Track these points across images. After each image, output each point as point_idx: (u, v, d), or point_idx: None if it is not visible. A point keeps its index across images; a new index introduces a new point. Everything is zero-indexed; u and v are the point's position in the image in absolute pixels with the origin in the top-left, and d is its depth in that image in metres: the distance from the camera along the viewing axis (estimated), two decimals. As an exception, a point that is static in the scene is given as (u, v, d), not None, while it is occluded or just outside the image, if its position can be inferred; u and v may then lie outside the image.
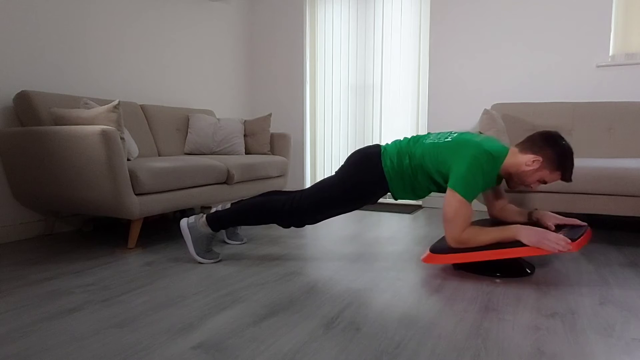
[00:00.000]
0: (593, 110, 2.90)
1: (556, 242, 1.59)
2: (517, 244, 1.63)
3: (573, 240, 1.61)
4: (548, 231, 1.63)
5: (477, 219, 2.27)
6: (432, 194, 3.65)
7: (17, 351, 1.15)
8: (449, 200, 1.69)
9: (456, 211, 1.68)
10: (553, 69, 3.19)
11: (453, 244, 1.71)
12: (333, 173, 1.99)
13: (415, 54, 3.66)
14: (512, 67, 3.31)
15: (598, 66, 3.06)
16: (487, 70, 3.39)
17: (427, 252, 1.82)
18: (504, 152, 1.77)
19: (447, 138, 1.80)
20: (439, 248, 1.78)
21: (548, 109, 3.00)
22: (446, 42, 3.51)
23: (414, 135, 1.95)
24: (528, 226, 1.66)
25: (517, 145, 1.81)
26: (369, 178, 1.87)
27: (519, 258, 1.87)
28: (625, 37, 2.98)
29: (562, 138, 1.75)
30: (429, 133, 1.92)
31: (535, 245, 1.60)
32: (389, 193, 1.94)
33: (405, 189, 1.89)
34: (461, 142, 1.74)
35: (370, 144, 1.99)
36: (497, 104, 3.15)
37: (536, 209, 1.93)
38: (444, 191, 1.85)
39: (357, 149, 2.44)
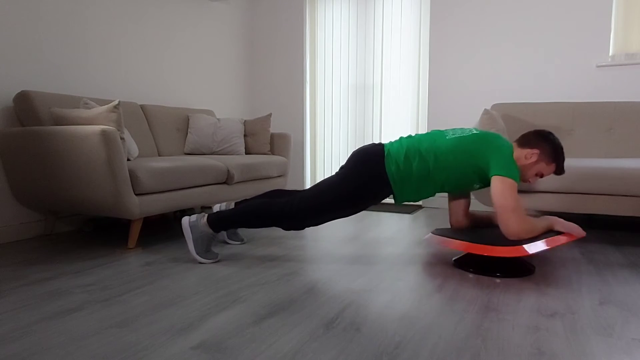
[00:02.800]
0: (593, 110, 2.90)
1: (577, 228, 1.74)
2: (555, 233, 1.73)
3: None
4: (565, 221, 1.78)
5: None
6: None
7: (17, 351, 1.15)
8: (504, 189, 1.69)
9: (516, 198, 1.70)
10: (553, 69, 3.19)
11: (522, 234, 1.69)
12: (333, 173, 1.96)
13: (415, 54, 3.66)
14: (512, 67, 3.31)
15: (598, 66, 3.06)
16: (487, 70, 3.39)
17: (486, 246, 1.71)
18: (512, 148, 1.87)
19: (471, 132, 1.85)
20: (498, 240, 1.71)
21: (548, 109, 3.00)
22: (446, 42, 3.51)
23: (418, 133, 1.95)
24: (554, 217, 1.79)
25: (515, 142, 1.93)
26: (371, 182, 1.84)
27: (520, 258, 1.87)
28: (625, 37, 2.98)
29: (552, 134, 1.89)
30: (440, 130, 1.91)
31: (569, 231, 1.72)
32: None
33: (411, 191, 1.86)
34: (489, 135, 1.82)
35: (373, 143, 1.95)
36: (497, 104, 3.15)
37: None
38: (461, 189, 1.88)
39: (359, 147, 2.42)
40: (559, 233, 1.73)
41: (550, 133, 1.88)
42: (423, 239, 2.14)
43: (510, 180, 1.70)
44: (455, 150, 1.79)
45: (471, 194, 2.22)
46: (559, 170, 1.89)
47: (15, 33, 2.41)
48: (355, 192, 1.84)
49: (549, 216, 1.79)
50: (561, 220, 1.77)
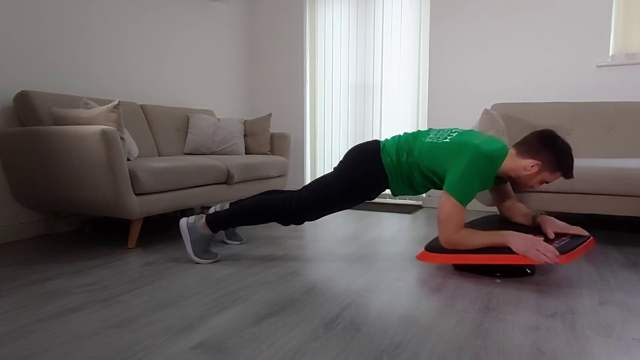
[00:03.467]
0: (593, 110, 2.90)
1: (544, 252, 1.56)
2: (508, 250, 1.63)
3: (565, 252, 1.58)
4: (539, 240, 1.60)
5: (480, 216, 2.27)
6: (432, 192, 3.65)
7: (17, 351, 1.15)
8: (444, 202, 1.71)
9: (449, 214, 1.69)
10: (553, 69, 3.19)
11: (445, 245, 1.74)
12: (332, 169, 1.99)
13: (415, 54, 3.66)
14: (512, 67, 3.31)
15: (598, 66, 3.06)
16: (487, 70, 3.39)
17: (422, 249, 1.84)
18: (503, 154, 1.75)
19: (446, 138, 1.79)
20: (434, 247, 1.81)
21: (548, 109, 3.00)
22: (446, 42, 3.51)
23: (416, 130, 1.96)
24: (520, 233, 1.64)
25: (515, 147, 1.78)
26: (369, 174, 1.87)
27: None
28: (625, 37, 2.98)
29: (559, 137, 1.73)
30: (429, 129, 1.91)
31: (522, 254, 1.59)
32: (387, 190, 1.94)
33: (405, 185, 1.90)
34: (459, 144, 1.72)
35: (369, 140, 1.99)
36: (497, 104, 3.15)
37: (542, 213, 1.89)
38: (440, 188, 1.87)
39: (356, 144, 2.44)
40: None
41: (556, 137, 1.73)
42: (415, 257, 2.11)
43: (452, 200, 1.67)
44: (424, 156, 1.80)
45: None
46: (567, 175, 1.74)
47: (15, 33, 2.40)
48: (354, 187, 1.87)
49: (508, 232, 1.66)
50: (520, 240, 1.61)
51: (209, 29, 3.80)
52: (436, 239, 1.91)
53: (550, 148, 1.71)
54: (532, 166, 1.71)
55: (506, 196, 2.00)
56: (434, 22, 3.54)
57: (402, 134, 1.94)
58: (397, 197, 3.85)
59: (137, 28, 3.13)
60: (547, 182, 1.79)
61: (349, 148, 2.49)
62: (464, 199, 1.67)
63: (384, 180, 1.88)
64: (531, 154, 1.72)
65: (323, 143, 4.12)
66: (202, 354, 1.13)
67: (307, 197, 1.89)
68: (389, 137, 1.98)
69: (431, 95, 3.60)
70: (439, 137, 1.81)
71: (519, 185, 1.82)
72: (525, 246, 1.59)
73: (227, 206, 2.21)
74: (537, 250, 1.57)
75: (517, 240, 1.61)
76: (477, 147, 1.69)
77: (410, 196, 3.78)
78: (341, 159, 2.12)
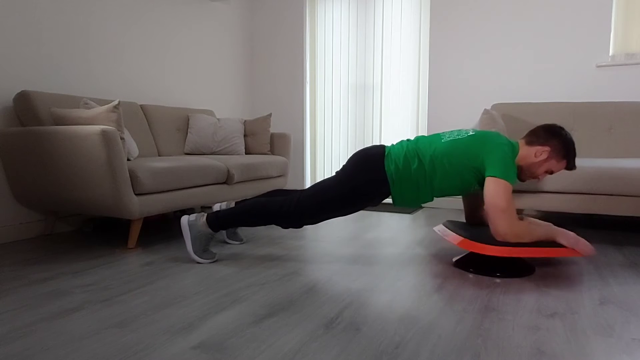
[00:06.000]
0: (593, 110, 2.90)
1: (585, 245, 1.69)
2: (555, 244, 1.69)
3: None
4: (577, 235, 1.71)
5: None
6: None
7: (17, 351, 1.15)
8: (497, 189, 1.66)
9: (508, 199, 1.66)
10: (553, 69, 3.19)
11: (507, 237, 1.67)
12: (333, 173, 1.97)
13: (415, 54, 3.66)
14: (512, 67, 3.31)
15: (598, 66, 3.06)
16: (487, 70, 3.39)
17: (462, 238, 1.77)
18: (517, 145, 1.86)
19: (467, 133, 1.82)
20: (481, 237, 1.73)
21: (548, 109, 3.00)
22: (446, 42, 3.51)
23: (419, 135, 1.94)
24: (561, 228, 1.74)
25: (524, 138, 1.89)
26: (370, 181, 1.84)
27: (520, 258, 1.87)
28: (625, 37, 2.98)
29: (564, 129, 1.84)
30: (437, 133, 1.91)
31: (572, 247, 1.68)
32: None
33: (411, 194, 1.86)
34: (486, 135, 1.79)
35: (374, 145, 1.96)
36: (497, 104, 3.15)
37: (524, 216, 1.96)
38: (461, 192, 1.86)
39: (360, 148, 2.41)
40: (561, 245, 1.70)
41: (561, 128, 1.83)
42: (434, 228, 2.13)
43: (503, 182, 1.67)
44: (450, 154, 1.78)
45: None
46: (570, 166, 1.85)
47: (15, 33, 2.41)
48: (353, 193, 1.85)
49: (555, 227, 1.74)
50: (568, 234, 1.71)
51: (209, 29, 3.80)
52: (471, 228, 1.85)
53: (557, 137, 1.82)
54: (542, 152, 1.81)
55: (482, 198, 2.05)
56: (434, 22, 3.54)
57: (407, 140, 1.92)
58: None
59: (137, 28, 3.13)
60: (551, 173, 1.86)
61: (351, 152, 2.47)
62: (512, 180, 1.69)
63: (386, 188, 1.85)
64: (540, 142, 1.83)
65: (323, 143, 4.12)
66: (202, 354, 1.13)
67: (306, 201, 1.87)
68: (394, 143, 1.95)
69: (431, 95, 3.60)
70: (458, 135, 1.83)
71: (526, 174, 1.88)
72: (575, 239, 1.69)
73: (232, 204, 2.21)
74: (582, 243, 1.69)
75: (566, 235, 1.70)
76: (500, 136, 1.78)
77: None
78: (344, 163, 2.12)
